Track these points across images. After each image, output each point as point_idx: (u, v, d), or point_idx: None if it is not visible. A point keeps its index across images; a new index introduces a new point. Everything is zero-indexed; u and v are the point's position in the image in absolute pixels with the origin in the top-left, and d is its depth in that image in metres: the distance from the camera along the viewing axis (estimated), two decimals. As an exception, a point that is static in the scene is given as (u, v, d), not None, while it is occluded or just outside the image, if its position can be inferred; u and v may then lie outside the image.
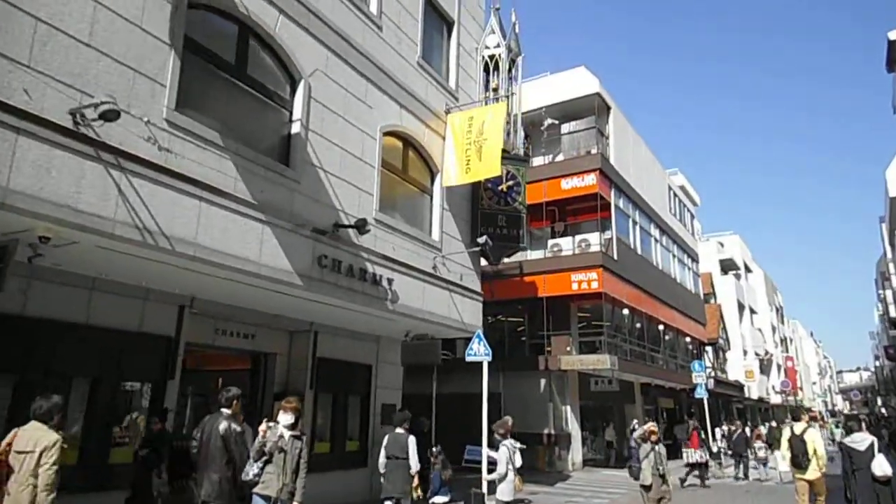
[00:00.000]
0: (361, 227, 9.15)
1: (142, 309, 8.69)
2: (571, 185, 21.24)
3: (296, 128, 8.94)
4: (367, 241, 9.95)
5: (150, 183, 6.55)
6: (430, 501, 9.50)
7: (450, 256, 12.27)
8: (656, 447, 9.03)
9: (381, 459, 8.34)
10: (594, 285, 19.95)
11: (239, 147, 7.88)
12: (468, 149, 12.16)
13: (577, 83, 22.41)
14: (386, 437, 8.52)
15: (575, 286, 20.32)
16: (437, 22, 13.35)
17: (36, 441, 4.60)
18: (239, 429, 6.14)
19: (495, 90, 14.14)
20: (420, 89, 11.94)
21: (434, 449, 10.31)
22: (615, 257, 21.30)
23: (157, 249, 6.63)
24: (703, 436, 17.88)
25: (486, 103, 13.97)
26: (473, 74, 14.06)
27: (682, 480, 16.18)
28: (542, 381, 20.67)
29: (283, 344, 11.48)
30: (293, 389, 11.39)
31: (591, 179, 20.85)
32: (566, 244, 21.49)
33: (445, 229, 12.35)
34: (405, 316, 10.84)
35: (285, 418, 6.18)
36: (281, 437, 6.07)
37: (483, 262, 14.00)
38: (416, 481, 8.66)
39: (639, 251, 23.92)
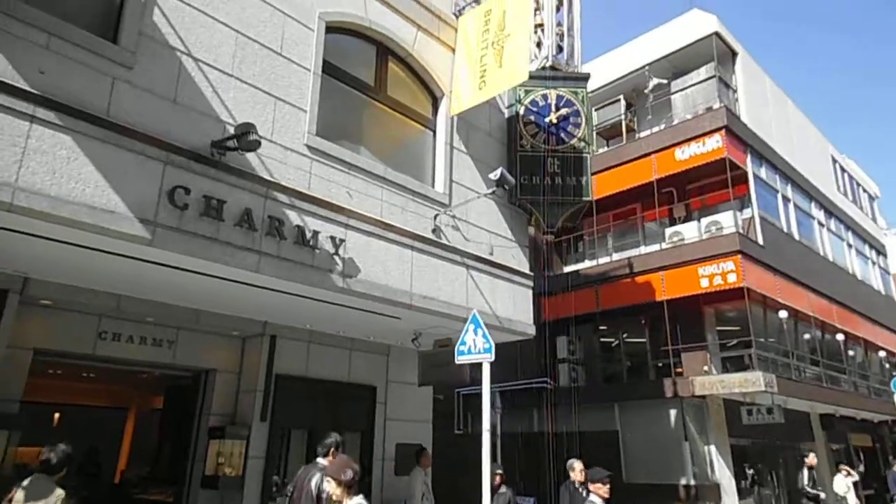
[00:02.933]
0: (242, 136, 5.25)
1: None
2: (689, 153, 15.77)
3: (133, -14, 5.37)
4: (289, 176, 6.05)
5: None
6: None
7: (464, 217, 7.92)
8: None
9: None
10: (731, 278, 14.20)
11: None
12: (484, 54, 7.89)
13: (687, 28, 17.10)
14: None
15: (705, 282, 14.68)
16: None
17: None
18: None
19: (538, -5, 9.78)
20: None
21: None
22: (760, 242, 15.33)
23: None
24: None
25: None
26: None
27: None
28: (673, 414, 15.00)
29: (226, 356, 7.74)
30: (241, 421, 7.56)
31: (715, 142, 15.28)
32: (689, 231, 15.88)
33: (458, 178, 8.03)
34: (376, 300, 6.60)
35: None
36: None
37: (532, 231, 9.40)
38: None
39: (796, 236, 17.51)
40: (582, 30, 9.64)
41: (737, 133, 15.65)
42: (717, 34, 16.24)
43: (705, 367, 15.01)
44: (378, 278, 6.65)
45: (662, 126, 16.90)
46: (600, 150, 18.02)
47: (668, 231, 16.24)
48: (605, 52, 18.96)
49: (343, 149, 6.70)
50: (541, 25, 9.43)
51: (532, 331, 8.46)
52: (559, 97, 8.91)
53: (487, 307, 7.84)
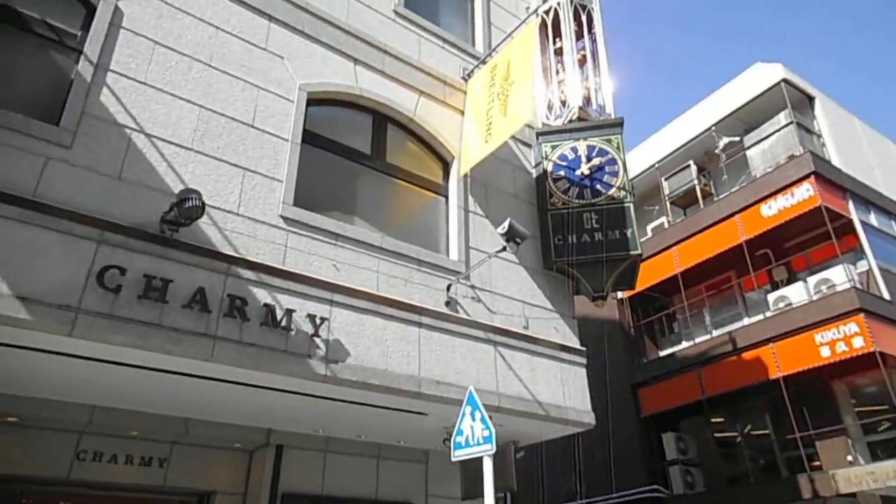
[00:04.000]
0: (181, 204, 4.52)
1: None
2: (777, 207, 13.77)
3: (83, 68, 5.06)
4: (259, 251, 5.23)
5: None
6: None
7: (487, 286, 6.69)
8: None
9: None
10: (857, 343, 11.60)
11: None
12: (490, 108, 7.03)
13: (752, 82, 15.65)
14: None
15: (825, 351, 12.11)
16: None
17: None
18: None
19: (558, 53, 9.01)
20: (399, 44, 7.42)
21: None
22: (885, 296, 12.68)
23: None
24: None
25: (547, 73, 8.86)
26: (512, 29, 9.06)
27: None
28: (817, 520, 11.92)
29: (229, 474, 6.65)
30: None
31: (805, 191, 13.25)
32: (796, 293, 13.47)
33: (476, 245, 6.89)
34: (373, 388, 5.39)
35: None
36: None
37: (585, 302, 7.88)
38: None
39: (932, 286, 14.44)
40: (612, 80, 8.65)
41: (830, 178, 13.58)
42: (785, 81, 14.67)
43: (849, 457, 12.02)
44: (375, 363, 5.49)
45: (742, 185, 15.08)
46: (678, 220, 16.33)
47: (772, 297, 13.91)
48: (671, 121, 17.75)
49: (328, 219, 5.87)
50: (563, 81, 8.57)
51: (590, 419, 6.79)
52: (590, 147, 7.79)
53: (526, 391, 6.37)
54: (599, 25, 9.11)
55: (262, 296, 5.09)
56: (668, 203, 16.74)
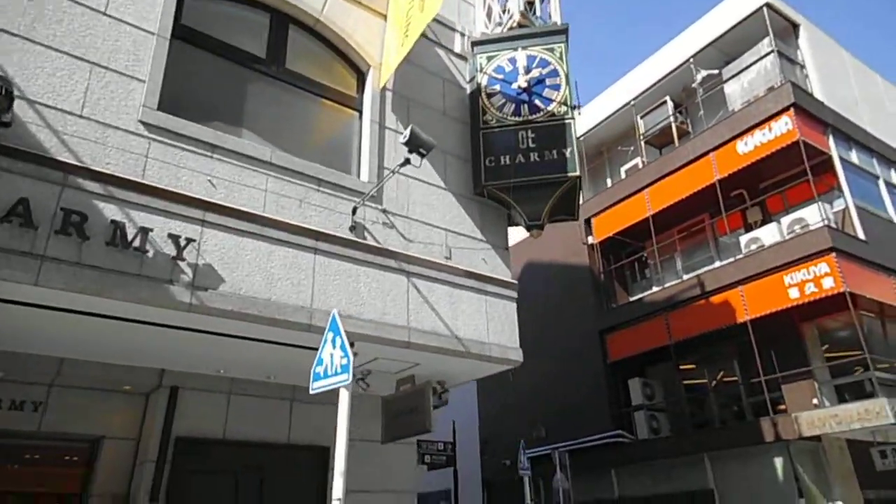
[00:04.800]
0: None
1: None
2: (753, 143, 12.89)
3: None
4: (109, 160, 4.41)
5: None
6: None
7: (402, 212, 5.90)
8: None
9: None
10: (827, 283, 10.95)
11: None
12: (410, 7, 6.10)
13: (733, 8, 14.52)
14: None
15: (794, 293, 11.48)
16: None
17: None
18: None
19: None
20: None
21: None
22: (861, 236, 11.99)
23: None
24: None
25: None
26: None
27: None
28: (779, 463, 11.51)
29: (119, 419, 5.99)
30: None
31: (784, 125, 12.36)
32: (768, 234, 12.75)
33: (394, 165, 6.11)
34: (255, 320, 4.71)
35: None
36: None
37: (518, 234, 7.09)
38: None
39: (912, 226, 13.77)
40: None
41: (811, 112, 12.66)
42: (767, 5, 13.56)
43: (814, 400, 11.56)
44: (256, 291, 4.75)
45: (720, 120, 14.16)
46: (652, 161, 15.46)
47: (744, 238, 13.19)
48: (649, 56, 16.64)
49: (204, 128, 5.01)
50: (507, -16, 7.57)
51: (517, 356, 6.11)
52: (530, 58, 6.86)
53: (443, 326, 5.66)
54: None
55: (112, 212, 4.30)
56: (642, 143, 15.84)
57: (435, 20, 6.72)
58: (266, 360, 5.80)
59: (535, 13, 7.45)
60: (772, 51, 13.27)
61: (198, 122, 5.04)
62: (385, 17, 6.66)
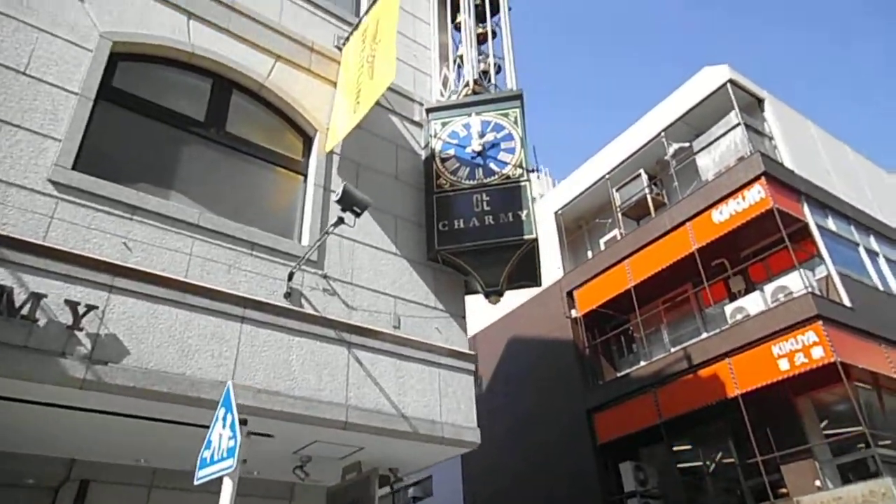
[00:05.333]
0: None
1: None
2: (729, 212, 12.76)
3: None
4: (6, 220, 4.02)
5: None
6: None
7: (346, 278, 5.48)
8: None
9: None
10: (817, 353, 10.41)
11: None
12: (360, 74, 5.95)
13: (699, 86, 14.85)
14: None
15: (784, 364, 10.90)
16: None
17: None
18: None
19: (458, 29, 8.03)
20: (253, 3, 6.27)
21: None
22: (847, 302, 11.58)
23: None
24: None
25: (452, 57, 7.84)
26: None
27: None
28: (786, 553, 10.51)
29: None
30: None
31: (757, 192, 12.26)
32: (753, 304, 12.32)
33: (341, 231, 5.73)
34: (162, 398, 4.16)
35: None
36: None
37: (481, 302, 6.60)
38: None
39: (894, 291, 13.38)
40: (515, 61, 7.61)
41: (783, 180, 12.63)
42: (731, 81, 13.86)
43: (816, 482, 10.71)
44: (168, 364, 4.22)
45: (694, 191, 14.10)
46: (629, 232, 15.27)
47: (728, 308, 12.76)
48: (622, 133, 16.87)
49: (124, 188, 4.67)
50: (461, 56, 7.56)
51: (474, 437, 5.48)
52: (484, 123, 6.69)
53: (387, 403, 5.08)
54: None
55: (0, 276, 3.85)
56: (619, 215, 15.72)
57: (390, 89, 6.60)
58: (193, 447, 5.13)
59: (490, 81, 7.38)
60: (738, 124, 13.41)
61: (120, 182, 4.70)
62: (335, 83, 6.53)
